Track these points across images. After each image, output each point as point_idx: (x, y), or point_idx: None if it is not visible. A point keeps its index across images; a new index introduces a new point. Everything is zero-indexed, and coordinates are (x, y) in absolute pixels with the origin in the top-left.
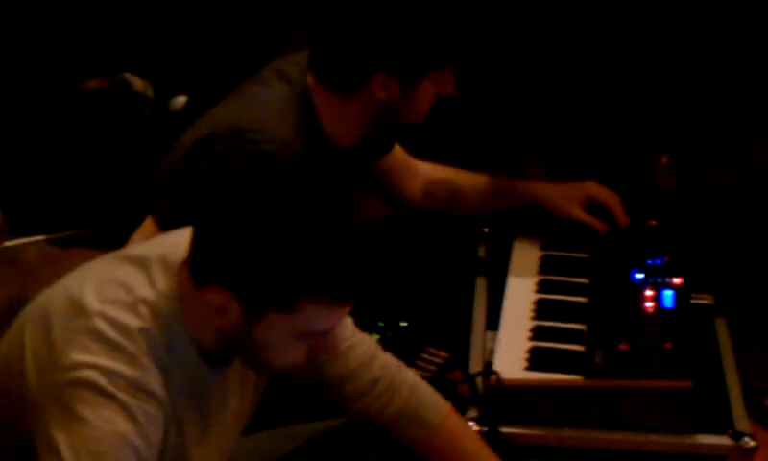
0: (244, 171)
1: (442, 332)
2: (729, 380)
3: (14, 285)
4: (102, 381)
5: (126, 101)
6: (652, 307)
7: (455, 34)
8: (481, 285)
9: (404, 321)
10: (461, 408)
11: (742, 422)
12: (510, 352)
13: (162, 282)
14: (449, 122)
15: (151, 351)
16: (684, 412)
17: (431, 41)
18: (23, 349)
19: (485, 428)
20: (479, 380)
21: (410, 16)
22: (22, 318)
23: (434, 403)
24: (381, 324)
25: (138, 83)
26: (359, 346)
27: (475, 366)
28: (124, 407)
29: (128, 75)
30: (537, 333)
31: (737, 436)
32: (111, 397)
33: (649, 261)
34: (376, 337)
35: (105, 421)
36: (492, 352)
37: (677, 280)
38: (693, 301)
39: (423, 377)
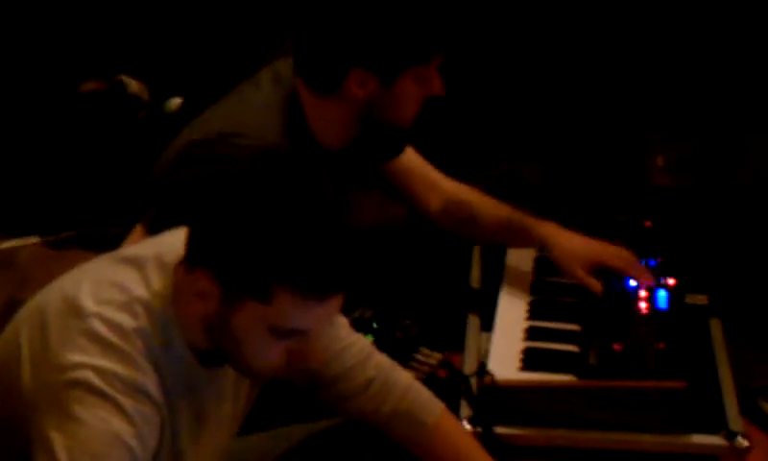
0: (240, 161)
1: (436, 334)
2: (723, 380)
3: (10, 287)
4: (97, 382)
5: (122, 103)
6: (646, 308)
7: (430, 29)
8: (475, 285)
9: (399, 322)
10: (454, 409)
11: (736, 421)
12: (504, 353)
13: (158, 283)
14: (446, 122)
15: (146, 352)
16: (677, 412)
17: (405, 36)
18: (19, 350)
19: (479, 429)
20: (473, 381)
21: (384, 11)
22: (18, 319)
23: (428, 404)
24: (376, 325)
25: (134, 85)
26: (354, 346)
27: (470, 366)
28: (119, 408)
29: (124, 77)
30: (531, 334)
31: (731, 436)
32: (107, 397)
33: (643, 261)
34: (371, 338)
35: (100, 421)
36: (486, 353)
37: (671, 281)
38: (687, 301)
39: (417, 378)
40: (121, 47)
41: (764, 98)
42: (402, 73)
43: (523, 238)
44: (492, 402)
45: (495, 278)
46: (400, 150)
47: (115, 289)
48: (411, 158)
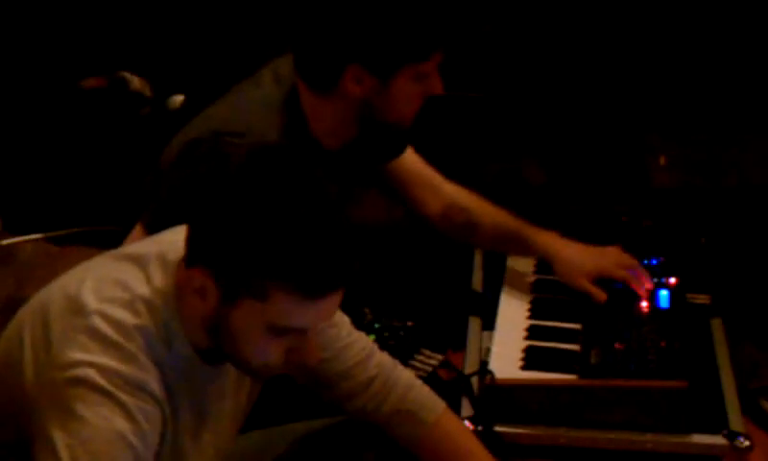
0: (242, 158)
1: (437, 334)
2: (724, 380)
3: (12, 284)
4: (99, 379)
5: (124, 99)
6: (647, 307)
7: (427, 26)
8: (477, 288)
9: (400, 322)
10: (456, 408)
11: (737, 422)
12: (505, 352)
13: (160, 280)
14: (446, 122)
15: (148, 350)
16: (678, 412)
17: (402, 33)
18: (21, 347)
19: (480, 427)
20: (475, 380)
21: (380, 8)
22: (20, 316)
23: (429, 402)
24: (377, 325)
25: (136, 81)
26: (355, 345)
27: (471, 365)
28: (121, 405)
29: (126, 73)
30: (532, 333)
31: (732, 436)
32: (109, 395)
33: (645, 261)
34: (372, 338)
35: (102, 419)
36: (487, 352)
37: (672, 280)
38: (689, 301)
39: (418, 378)
40: (123, 44)
41: (765, 98)
42: (399, 70)
43: (523, 248)
44: (494, 401)
45: (497, 278)
46: (401, 150)
47: (117, 287)
48: (411, 160)
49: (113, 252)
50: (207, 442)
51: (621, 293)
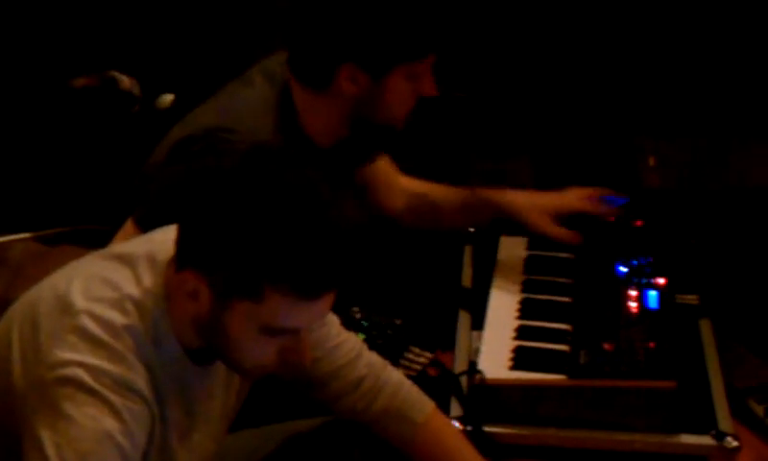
0: (231, 159)
1: (426, 332)
2: (712, 381)
3: (1, 283)
4: (87, 379)
5: (113, 99)
6: (636, 307)
7: (422, 26)
8: (467, 284)
9: (389, 321)
10: (445, 407)
11: (725, 422)
12: (494, 352)
13: (149, 280)
14: (435, 122)
15: (137, 350)
16: (667, 412)
17: (396, 32)
18: (10, 347)
19: (469, 427)
20: (464, 379)
21: (375, 7)
22: (9, 316)
23: (418, 402)
24: (366, 324)
25: (126, 80)
26: (345, 344)
27: (460, 365)
28: (109, 405)
29: (115, 73)
30: (521, 333)
31: (720, 436)
32: (97, 394)
33: (634, 261)
34: (362, 336)
35: (90, 418)
36: (476, 352)
37: (661, 281)
38: (678, 301)
39: (407, 377)
40: (113, 43)
41: (756, 100)
42: (393, 70)
43: (485, 212)
44: (483, 401)
45: (486, 276)
46: (374, 156)
47: (106, 286)
48: (379, 166)
49: (102, 251)
50: (196, 442)
51: (609, 294)
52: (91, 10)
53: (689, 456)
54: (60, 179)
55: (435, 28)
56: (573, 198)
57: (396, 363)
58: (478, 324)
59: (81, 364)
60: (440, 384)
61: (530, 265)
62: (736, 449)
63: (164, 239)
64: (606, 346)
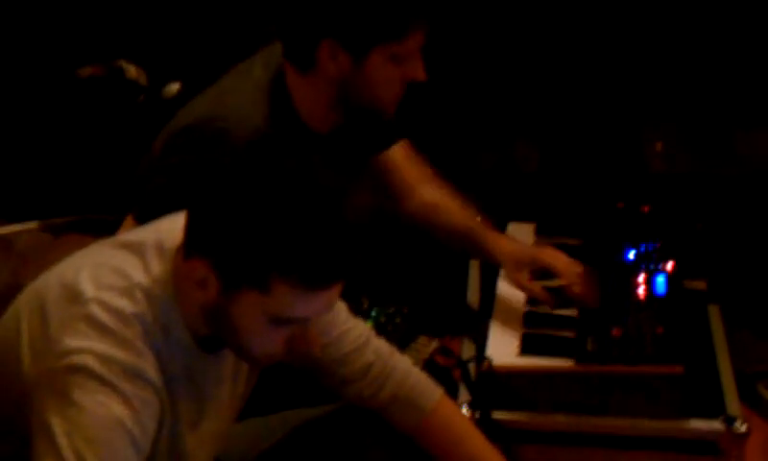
0: (239, 148)
1: (434, 321)
2: (721, 365)
3: (8, 273)
4: (97, 367)
5: (120, 88)
6: (644, 293)
7: (398, 5)
8: (474, 272)
9: (397, 308)
10: (453, 394)
11: (734, 406)
12: (502, 338)
13: (158, 268)
14: (441, 107)
15: (146, 337)
16: (675, 397)
17: (372, 9)
18: (19, 335)
19: (477, 413)
20: (472, 366)
21: None
22: (17, 305)
23: (426, 389)
24: (374, 312)
25: (132, 70)
26: (352, 331)
27: (467, 352)
28: (119, 392)
29: (122, 62)
30: (529, 319)
31: (729, 421)
32: (106, 382)
33: (642, 247)
34: (369, 324)
35: (99, 406)
36: (484, 338)
37: (669, 266)
38: (686, 286)
39: (415, 365)
40: (119, 32)
41: (763, 85)
42: (373, 49)
43: (477, 253)
44: (491, 387)
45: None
46: (392, 142)
47: (115, 274)
48: (398, 156)
49: (110, 239)
50: (206, 429)
51: (617, 280)
52: None
53: (698, 441)
54: (67, 168)
55: (413, 7)
56: (549, 254)
57: (403, 351)
58: (486, 311)
59: (90, 352)
60: (448, 371)
61: None
62: (745, 434)
63: (172, 227)
64: (614, 332)
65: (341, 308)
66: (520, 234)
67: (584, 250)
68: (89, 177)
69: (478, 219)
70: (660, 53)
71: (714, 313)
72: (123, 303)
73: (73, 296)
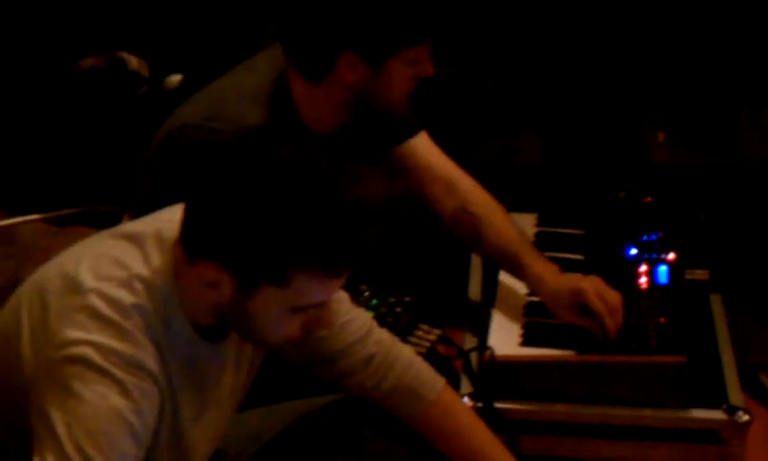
0: (234, 145)
1: (435, 310)
2: (723, 355)
3: (10, 265)
4: (96, 358)
5: (121, 79)
6: (646, 283)
7: (420, 11)
8: (476, 262)
9: (398, 298)
10: (455, 384)
11: (736, 396)
12: (504, 328)
13: (157, 259)
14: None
15: (146, 328)
16: (677, 387)
17: (394, 19)
18: (19, 326)
19: (479, 404)
20: (474, 356)
21: None
22: (17, 296)
23: (429, 379)
24: (375, 301)
25: (134, 61)
26: (354, 322)
27: (469, 342)
28: (118, 383)
29: (123, 53)
30: (531, 309)
31: (731, 410)
32: (106, 373)
33: (643, 237)
34: (371, 314)
35: (99, 397)
36: (486, 329)
37: (671, 256)
38: (688, 276)
39: (417, 354)
40: (121, 23)
41: (764, 74)
42: (394, 56)
43: (518, 274)
44: (493, 378)
45: None
46: (406, 134)
47: (115, 266)
48: (428, 154)
49: (110, 231)
50: (207, 419)
51: (619, 270)
52: None
53: (700, 431)
54: (69, 160)
55: (433, 12)
56: (588, 291)
57: (405, 340)
58: (488, 301)
59: (90, 343)
60: (449, 361)
61: (540, 241)
62: (747, 423)
63: (171, 218)
64: None
65: (343, 299)
66: (522, 225)
67: (586, 240)
68: (91, 169)
69: (522, 238)
70: (662, 44)
71: (716, 303)
72: (122, 294)
73: (73, 287)
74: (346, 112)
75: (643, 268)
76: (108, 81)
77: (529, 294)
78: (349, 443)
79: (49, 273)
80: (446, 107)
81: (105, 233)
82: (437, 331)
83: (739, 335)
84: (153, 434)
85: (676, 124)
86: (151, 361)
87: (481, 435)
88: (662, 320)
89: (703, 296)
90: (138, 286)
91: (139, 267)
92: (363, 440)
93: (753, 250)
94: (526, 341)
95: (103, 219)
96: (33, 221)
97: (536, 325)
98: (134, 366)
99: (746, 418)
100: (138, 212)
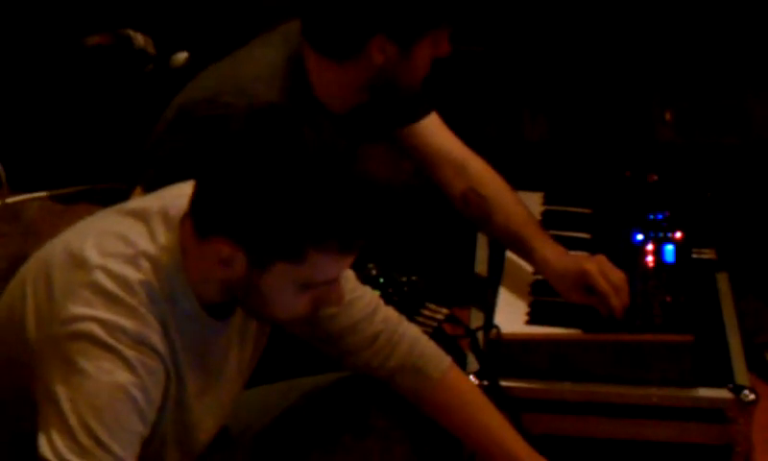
0: (251, 121)
1: (442, 289)
2: (729, 334)
3: (17, 242)
4: (101, 334)
5: (127, 57)
6: (652, 262)
7: None
8: (483, 240)
9: (405, 277)
10: (461, 363)
11: (742, 375)
12: (510, 307)
13: (163, 236)
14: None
15: (151, 305)
16: (684, 366)
17: (425, 1)
18: (24, 302)
19: (485, 382)
20: (480, 335)
21: None
22: (23, 272)
23: (434, 357)
24: (382, 280)
25: (140, 38)
26: (361, 300)
27: (476, 320)
28: (123, 359)
29: (130, 31)
30: (537, 288)
31: (737, 389)
32: (111, 349)
33: (650, 216)
34: (378, 293)
35: (104, 372)
36: (492, 307)
37: (678, 235)
38: (695, 255)
39: (424, 333)
40: (127, 1)
41: None
42: (421, 39)
43: (525, 257)
44: (499, 356)
45: None
46: (418, 115)
47: (120, 242)
48: (438, 136)
49: (116, 207)
50: (212, 396)
51: (625, 249)
52: None
53: (706, 410)
54: (76, 138)
55: None
56: (593, 271)
57: (411, 319)
58: (495, 279)
59: (94, 319)
60: (456, 340)
61: (546, 220)
62: (753, 402)
63: (177, 194)
64: None
65: (350, 277)
66: (528, 203)
67: (593, 219)
68: (98, 146)
69: (530, 220)
70: (670, 21)
71: (723, 282)
72: (128, 271)
73: (78, 263)
74: (362, 93)
75: (650, 247)
76: (113, 58)
77: (535, 272)
78: (354, 421)
79: (54, 249)
80: (454, 85)
81: (110, 210)
82: (444, 310)
83: (745, 314)
84: (157, 410)
85: (683, 102)
86: (156, 338)
87: (487, 413)
88: (669, 299)
89: (709, 275)
90: (144, 263)
91: (145, 244)
92: (367, 417)
93: (759, 229)
94: (532, 319)
95: (108, 196)
96: (39, 198)
97: (542, 303)
98: (139, 342)
99: (752, 397)
100: (151, 186)
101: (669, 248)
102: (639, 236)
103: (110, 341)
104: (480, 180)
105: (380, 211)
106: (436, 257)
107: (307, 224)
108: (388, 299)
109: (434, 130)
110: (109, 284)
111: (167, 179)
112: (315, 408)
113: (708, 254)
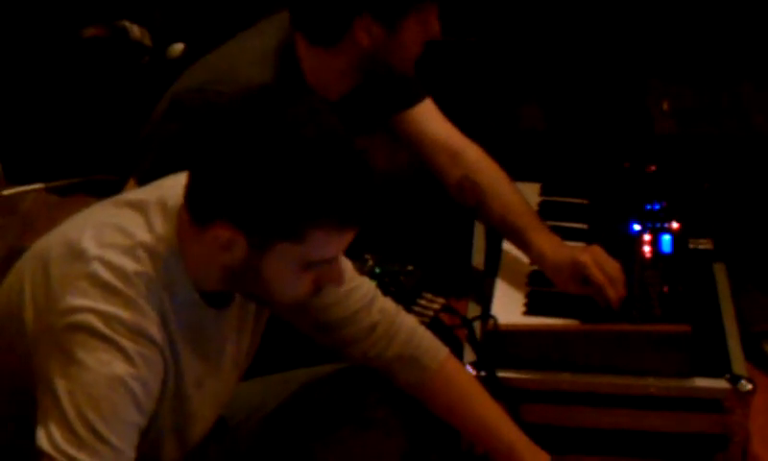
0: (245, 104)
1: (439, 279)
2: (727, 324)
3: (13, 234)
4: (99, 325)
5: (124, 48)
6: (650, 252)
7: None
8: (479, 230)
9: (402, 267)
10: (458, 353)
11: (740, 365)
12: (508, 297)
13: (161, 226)
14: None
15: (149, 296)
16: (681, 356)
17: None
18: (22, 294)
19: (482, 373)
20: (477, 325)
21: None
22: (20, 264)
23: (432, 347)
24: (379, 270)
25: (136, 30)
26: (358, 290)
27: (473, 311)
28: (121, 350)
29: (126, 22)
30: (534, 278)
31: (735, 380)
32: (109, 340)
33: (647, 206)
34: (374, 283)
35: (102, 364)
36: (490, 297)
37: (675, 225)
38: (692, 245)
39: (420, 323)
40: None
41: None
42: (407, 16)
43: (520, 246)
44: (496, 347)
45: None
46: (411, 100)
47: (118, 233)
48: (433, 124)
49: (113, 198)
50: (210, 385)
51: (623, 239)
52: None
53: (704, 400)
54: (72, 130)
55: None
56: (588, 262)
57: (408, 309)
58: (491, 270)
59: (92, 310)
60: (453, 330)
61: (544, 210)
62: (750, 393)
63: (174, 185)
64: None
65: (347, 267)
66: (526, 194)
67: (590, 209)
68: (94, 138)
69: (526, 209)
70: (667, 11)
71: (720, 272)
72: (125, 262)
73: (76, 254)
74: (354, 77)
75: (647, 237)
76: (110, 50)
77: (532, 263)
78: (352, 411)
79: (52, 241)
80: (450, 75)
81: (108, 201)
82: (440, 300)
83: (743, 304)
84: (155, 401)
85: (680, 93)
86: (154, 328)
87: (483, 403)
88: (666, 289)
89: (706, 265)
90: (142, 254)
91: (143, 234)
92: (366, 407)
93: (756, 219)
94: (529, 310)
95: (105, 188)
96: (36, 190)
97: (539, 293)
98: (137, 333)
99: (749, 387)
100: (146, 176)
101: (666, 238)
102: (637, 227)
103: (108, 332)
104: (476, 168)
105: (377, 186)
106: (433, 248)
107: (305, 201)
108: (385, 289)
109: (429, 117)
110: (107, 275)
111: (161, 169)
112: (313, 399)
113: (705, 245)
